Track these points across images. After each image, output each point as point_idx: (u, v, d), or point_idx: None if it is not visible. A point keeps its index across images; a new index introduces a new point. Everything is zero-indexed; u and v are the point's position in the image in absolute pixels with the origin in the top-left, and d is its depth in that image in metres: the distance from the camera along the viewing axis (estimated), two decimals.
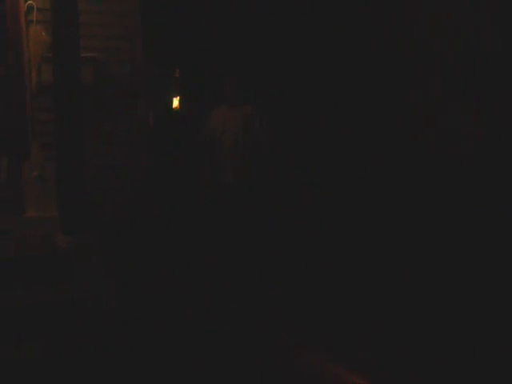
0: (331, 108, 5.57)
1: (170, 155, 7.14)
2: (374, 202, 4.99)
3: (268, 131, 5.22)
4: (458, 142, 4.21)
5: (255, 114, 5.24)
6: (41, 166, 4.35)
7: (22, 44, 4.60)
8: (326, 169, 5.62)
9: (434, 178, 4.43)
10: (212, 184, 5.36)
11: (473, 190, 4.09)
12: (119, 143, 4.90)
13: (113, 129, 4.89)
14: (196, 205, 6.06)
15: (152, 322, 3.94)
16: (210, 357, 3.50)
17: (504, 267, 3.90)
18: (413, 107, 4.64)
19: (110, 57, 4.87)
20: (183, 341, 3.73)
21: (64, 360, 3.23)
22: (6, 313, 3.36)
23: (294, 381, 3.29)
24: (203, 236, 5.56)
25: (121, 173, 4.87)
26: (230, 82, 5.34)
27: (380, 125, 4.98)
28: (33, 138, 4.62)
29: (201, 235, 5.60)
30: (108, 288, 3.63)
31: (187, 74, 8.32)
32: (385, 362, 3.36)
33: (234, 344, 3.69)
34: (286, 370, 3.39)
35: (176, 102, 8.53)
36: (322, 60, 5.65)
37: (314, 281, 4.76)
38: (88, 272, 3.62)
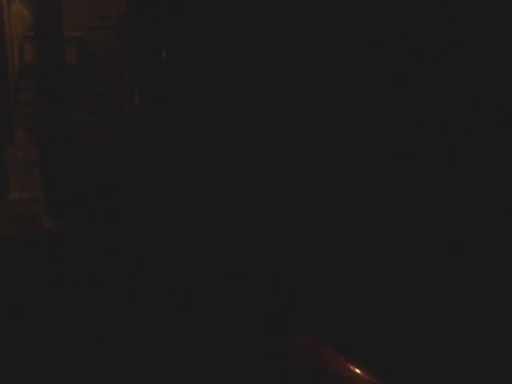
0: (318, 103, 5.53)
1: (157, 135, 7.08)
2: (364, 195, 4.98)
3: None
4: (446, 129, 4.20)
5: None
6: (25, 148, 4.29)
7: (3, 23, 4.49)
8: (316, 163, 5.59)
9: (424, 167, 4.42)
10: None
11: (464, 176, 4.08)
12: (104, 124, 4.87)
13: (98, 109, 4.85)
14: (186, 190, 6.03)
15: (145, 305, 3.94)
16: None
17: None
18: (400, 95, 4.62)
19: (94, 36, 4.82)
20: (178, 331, 3.73)
21: (52, 340, 3.23)
22: None
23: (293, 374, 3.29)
24: (192, 225, 5.54)
25: (105, 154, 4.84)
26: None
27: (366, 114, 4.95)
28: (16, 119, 4.56)
29: (190, 224, 5.58)
30: (94, 269, 3.62)
31: (174, 55, 8.22)
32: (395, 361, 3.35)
33: (229, 337, 3.70)
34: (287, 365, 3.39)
35: (162, 83, 8.44)
36: (308, 56, 5.59)
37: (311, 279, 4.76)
38: (74, 253, 3.60)
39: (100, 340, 3.26)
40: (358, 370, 3.18)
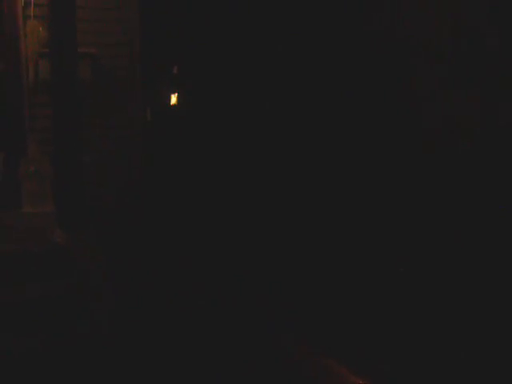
0: (326, 104, 5.55)
1: (168, 151, 7.13)
2: (367, 197, 4.98)
3: None
4: (456, 133, 4.19)
5: None
6: (38, 162, 4.34)
7: (19, 39, 4.59)
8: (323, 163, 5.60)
9: (431, 172, 4.41)
10: None
11: (473, 182, 4.07)
12: (116, 138, 4.91)
13: (110, 124, 4.90)
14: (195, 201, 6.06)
15: (150, 314, 3.96)
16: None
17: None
18: (409, 98, 4.62)
19: (107, 52, 4.88)
20: (182, 338, 3.74)
21: (62, 354, 3.24)
22: (4, 308, 3.37)
23: (295, 380, 3.29)
24: (201, 233, 5.56)
25: (117, 168, 4.88)
26: None
27: (374, 118, 4.96)
28: (30, 133, 4.63)
29: (200, 232, 5.60)
30: (105, 282, 3.64)
31: (185, 71, 8.31)
32: (386, 363, 3.35)
33: (233, 343, 3.70)
34: (288, 370, 3.39)
35: (174, 99, 8.51)
36: (317, 57, 5.62)
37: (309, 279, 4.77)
38: (85, 267, 3.62)
39: (108, 351, 3.28)
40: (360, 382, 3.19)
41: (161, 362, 3.39)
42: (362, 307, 4.12)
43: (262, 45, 6.25)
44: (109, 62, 4.89)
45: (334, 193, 5.27)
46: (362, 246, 4.84)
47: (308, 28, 5.58)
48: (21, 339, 3.29)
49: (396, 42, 4.62)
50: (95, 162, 4.72)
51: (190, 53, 7.81)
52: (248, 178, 5.81)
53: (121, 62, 4.96)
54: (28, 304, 3.44)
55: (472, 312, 3.68)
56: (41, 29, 4.46)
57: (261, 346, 3.66)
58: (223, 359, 3.46)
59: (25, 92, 4.65)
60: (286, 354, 3.61)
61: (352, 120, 5.19)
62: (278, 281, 4.78)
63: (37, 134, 4.58)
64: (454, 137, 4.19)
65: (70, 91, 3.72)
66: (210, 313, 4.14)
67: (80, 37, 3.93)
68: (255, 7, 6.34)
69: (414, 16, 4.47)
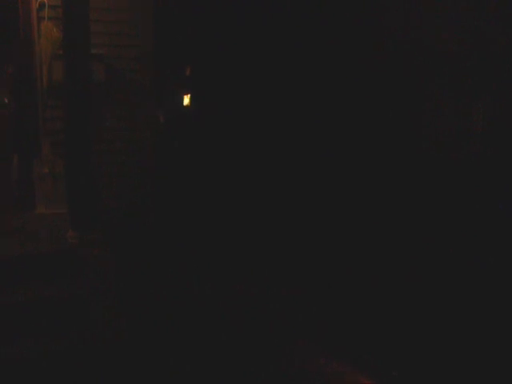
0: (333, 111, 5.53)
1: (180, 151, 7.14)
2: (375, 202, 4.95)
3: None
4: (460, 141, 4.16)
5: None
6: (51, 163, 4.36)
7: (33, 41, 4.60)
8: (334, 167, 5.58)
9: (436, 178, 4.38)
10: None
11: (477, 187, 4.04)
12: (129, 140, 4.92)
13: (123, 126, 4.91)
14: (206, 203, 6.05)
15: (158, 316, 3.95)
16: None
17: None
18: (415, 106, 4.60)
19: (121, 54, 4.88)
20: (188, 340, 3.73)
21: (74, 354, 3.24)
22: (19, 308, 3.38)
23: (301, 380, 3.28)
24: (213, 235, 5.55)
25: (129, 170, 4.88)
26: None
27: (381, 126, 4.93)
28: (43, 135, 4.64)
29: (212, 233, 5.59)
30: (116, 282, 3.63)
31: (198, 72, 8.31)
32: (392, 363, 3.34)
33: (235, 336, 3.69)
34: (293, 370, 3.38)
35: (187, 100, 8.52)
36: (324, 64, 5.61)
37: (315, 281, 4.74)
38: (98, 267, 3.62)
39: (116, 351, 3.28)
40: None
41: (168, 368, 3.37)
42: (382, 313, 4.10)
43: (276, 46, 6.23)
44: (122, 63, 4.90)
45: (352, 207, 5.26)
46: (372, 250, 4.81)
47: (320, 32, 5.57)
48: (31, 338, 3.30)
49: (405, 47, 4.60)
50: (108, 163, 4.73)
51: (202, 54, 7.81)
52: (260, 178, 5.79)
53: (134, 64, 4.96)
54: (40, 304, 3.44)
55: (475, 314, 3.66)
56: (55, 30, 4.47)
57: (261, 345, 3.67)
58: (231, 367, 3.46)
59: (38, 93, 4.66)
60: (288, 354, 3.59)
61: (358, 123, 5.17)
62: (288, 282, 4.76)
63: (50, 136, 4.60)
64: (460, 142, 4.17)
65: (83, 93, 3.71)
66: (218, 316, 4.13)
67: (94, 38, 3.93)
68: (268, 11, 6.33)
69: (423, 22, 4.45)
